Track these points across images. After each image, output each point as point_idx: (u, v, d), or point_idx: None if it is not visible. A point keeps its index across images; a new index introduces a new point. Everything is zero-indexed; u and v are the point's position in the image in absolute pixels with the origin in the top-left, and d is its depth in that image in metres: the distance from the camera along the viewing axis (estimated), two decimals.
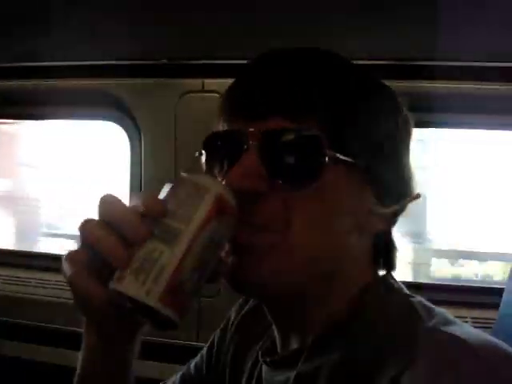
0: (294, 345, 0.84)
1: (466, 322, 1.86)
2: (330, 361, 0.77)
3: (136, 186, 2.15)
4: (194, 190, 0.69)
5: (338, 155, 0.75)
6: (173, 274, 0.64)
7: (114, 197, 0.71)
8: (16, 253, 2.60)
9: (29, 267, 2.44)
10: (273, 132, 0.75)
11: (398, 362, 0.67)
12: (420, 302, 0.79)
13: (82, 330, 0.81)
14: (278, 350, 0.89)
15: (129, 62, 2.01)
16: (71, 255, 0.70)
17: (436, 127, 2.06)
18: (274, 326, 0.89)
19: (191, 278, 0.66)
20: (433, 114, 1.91)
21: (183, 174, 0.71)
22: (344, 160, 0.76)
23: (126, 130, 2.19)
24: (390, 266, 0.87)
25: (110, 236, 0.67)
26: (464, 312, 1.92)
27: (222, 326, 1.11)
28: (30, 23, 1.67)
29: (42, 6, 1.57)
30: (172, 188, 0.71)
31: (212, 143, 0.84)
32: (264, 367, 0.89)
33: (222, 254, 0.74)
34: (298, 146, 0.76)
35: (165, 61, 1.96)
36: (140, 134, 2.10)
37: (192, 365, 1.12)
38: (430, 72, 1.79)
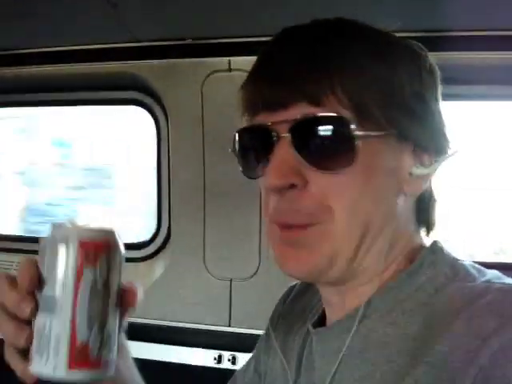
0: (343, 314, 0.85)
1: None
2: (382, 323, 0.79)
3: (165, 171, 2.13)
4: (55, 248, 0.68)
5: (368, 133, 0.76)
6: (70, 340, 0.66)
7: (4, 277, 0.73)
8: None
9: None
10: (301, 121, 0.77)
11: (454, 320, 0.69)
12: (469, 263, 0.81)
13: None
14: (327, 321, 0.91)
15: (153, 42, 1.97)
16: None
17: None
18: (324, 301, 0.92)
19: (91, 332, 0.66)
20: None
21: (48, 232, 0.71)
22: (377, 135, 0.77)
23: (152, 113, 2.16)
24: (431, 223, 0.88)
25: (7, 320, 0.72)
26: None
27: (275, 306, 1.13)
28: (53, 5, 1.64)
29: None
30: (40, 252, 0.71)
31: (241, 139, 0.87)
32: (314, 338, 0.90)
33: None
34: (329, 132, 0.76)
35: (190, 40, 1.92)
36: (167, 116, 2.07)
37: (251, 367, 1.13)
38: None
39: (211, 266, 2.04)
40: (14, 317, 0.71)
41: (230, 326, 2.04)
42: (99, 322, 0.67)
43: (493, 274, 0.78)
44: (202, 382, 2.04)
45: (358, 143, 0.76)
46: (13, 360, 0.74)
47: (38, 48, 2.07)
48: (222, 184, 1.97)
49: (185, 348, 2.05)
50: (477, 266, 0.80)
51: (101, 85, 2.21)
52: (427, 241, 0.87)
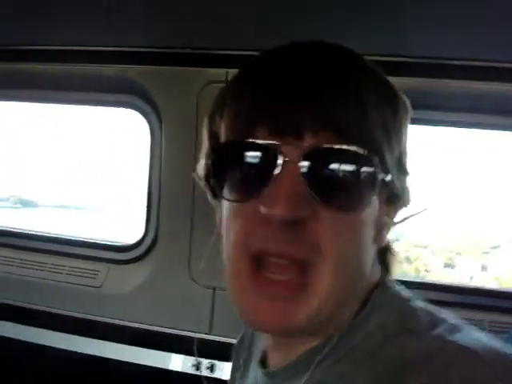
0: (293, 355, 0.80)
1: (483, 325, 1.83)
2: (330, 374, 0.74)
3: (155, 176, 2.14)
4: None
5: (386, 178, 0.72)
6: None
7: None
8: None
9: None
10: (323, 149, 0.68)
11: (403, 381, 0.64)
12: (422, 307, 0.76)
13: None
14: (271, 362, 0.86)
15: (153, 49, 1.99)
16: None
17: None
18: (268, 343, 0.86)
19: None
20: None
21: None
22: (386, 181, 0.73)
23: (147, 118, 2.17)
24: (388, 267, 0.85)
25: None
26: (482, 315, 1.89)
27: (236, 342, 1.09)
28: (55, 6, 1.65)
29: None
30: None
31: (230, 152, 0.75)
32: (263, 378, 0.86)
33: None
34: (351, 167, 0.70)
35: (189, 49, 1.94)
36: (161, 122, 2.09)
37: None
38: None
39: (195, 274, 2.05)
40: None
41: (210, 333, 2.04)
42: None
43: (445, 323, 0.71)
44: None
45: (377, 186, 0.71)
46: None
47: (37, 45, 2.08)
48: None
49: (164, 353, 2.06)
50: (427, 308, 0.76)
51: (98, 86, 2.22)
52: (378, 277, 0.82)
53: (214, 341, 2.04)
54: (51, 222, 3.38)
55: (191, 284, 2.06)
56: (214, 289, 2.04)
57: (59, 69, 2.16)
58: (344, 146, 0.68)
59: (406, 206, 0.81)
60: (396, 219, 0.80)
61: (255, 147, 0.70)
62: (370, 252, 0.76)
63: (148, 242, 2.22)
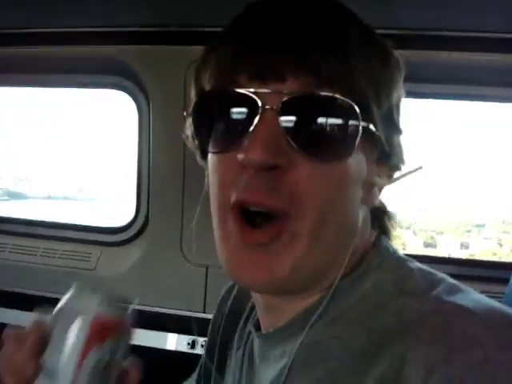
0: (285, 318, 0.79)
1: None
2: (326, 334, 0.74)
3: (145, 156, 2.13)
4: (69, 318, 0.67)
5: (369, 126, 0.70)
6: None
7: (12, 337, 0.73)
8: None
9: None
10: (303, 96, 0.66)
11: (400, 341, 0.65)
12: (418, 268, 0.75)
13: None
14: (263, 325, 0.85)
15: (138, 28, 1.98)
16: None
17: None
18: (259, 304, 0.85)
19: None
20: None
21: (62, 300, 0.69)
22: (371, 131, 0.70)
23: (135, 99, 2.16)
24: (385, 230, 0.84)
25: (10, 375, 0.71)
26: (473, 286, 1.89)
27: (215, 311, 1.09)
28: None
29: None
30: (52, 319, 0.69)
31: (207, 105, 0.74)
32: (256, 341, 0.86)
33: None
34: (333, 115, 0.68)
35: (174, 28, 1.93)
36: (149, 102, 2.08)
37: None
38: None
39: (188, 253, 2.06)
40: (17, 374, 0.70)
41: (204, 312, 2.05)
42: None
43: (443, 283, 0.71)
44: (175, 366, 2.05)
45: (360, 135, 0.68)
46: None
47: (23, 28, 2.06)
48: (201, 171, 1.97)
49: (158, 333, 2.06)
50: (425, 269, 0.75)
51: (84, 68, 2.21)
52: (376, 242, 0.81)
53: (208, 319, 2.04)
54: (41, 213, 3.38)
55: (184, 263, 2.06)
56: (207, 267, 2.05)
57: (45, 51, 2.13)
58: (324, 93, 0.66)
59: (398, 166, 0.79)
60: (388, 180, 0.79)
61: (235, 95, 0.69)
62: (358, 210, 0.75)
63: (139, 222, 2.22)
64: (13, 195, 3.79)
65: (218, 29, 1.85)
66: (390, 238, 0.83)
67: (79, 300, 0.68)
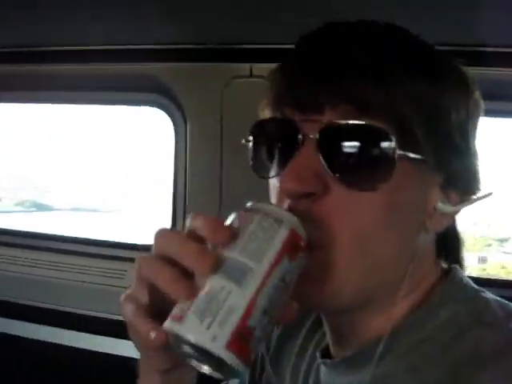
0: (353, 348, 0.79)
1: None
2: (400, 367, 0.72)
3: (181, 175, 2.11)
4: (266, 223, 0.62)
5: (407, 154, 0.68)
6: (242, 317, 0.56)
7: (170, 230, 0.68)
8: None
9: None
10: (334, 125, 0.68)
11: (481, 374, 0.63)
12: (494, 299, 0.74)
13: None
14: (332, 351, 0.84)
15: (175, 45, 1.97)
16: (128, 294, 0.66)
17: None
18: (327, 332, 0.84)
19: (260, 322, 0.58)
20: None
21: (252, 204, 0.65)
22: (414, 158, 0.69)
23: (172, 117, 2.15)
24: (455, 260, 0.82)
25: (170, 268, 0.61)
26: None
27: None
28: (78, 4, 1.64)
29: None
30: (239, 218, 0.64)
31: (261, 131, 0.78)
32: (323, 368, 0.85)
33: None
34: (368, 143, 0.68)
35: (212, 45, 1.91)
36: (185, 120, 2.06)
37: None
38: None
39: None
40: (175, 264, 0.61)
41: None
42: (270, 316, 0.60)
43: None
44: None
45: (398, 162, 0.68)
46: (137, 316, 0.63)
47: (58, 46, 2.07)
48: (238, 189, 1.96)
49: None
50: (500, 300, 0.74)
51: (121, 85, 2.20)
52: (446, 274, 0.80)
53: None
54: (67, 225, 3.41)
55: None
56: None
57: (82, 69, 2.14)
58: (356, 121, 0.67)
59: (469, 191, 0.77)
60: (457, 205, 0.76)
61: (277, 124, 0.74)
62: (412, 237, 0.74)
63: None
64: (39, 207, 3.82)
65: (256, 45, 1.87)
66: (462, 268, 0.81)
67: (277, 210, 0.64)
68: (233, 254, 0.59)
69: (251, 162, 0.79)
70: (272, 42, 1.84)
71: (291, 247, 0.61)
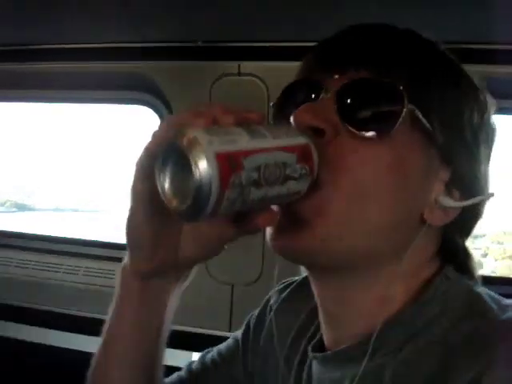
0: (346, 340, 0.79)
1: None
2: (392, 360, 0.72)
3: None
4: (291, 128, 0.69)
5: (418, 113, 0.71)
6: (240, 151, 0.59)
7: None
8: None
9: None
10: (353, 81, 0.73)
11: (474, 362, 0.62)
12: (487, 293, 0.74)
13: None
14: (326, 344, 0.84)
15: (163, 44, 1.97)
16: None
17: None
18: (321, 319, 0.84)
19: (249, 172, 0.60)
20: None
21: None
22: (423, 125, 0.72)
23: (160, 115, 2.15)
24: (462, 270, 0.81)
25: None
26: None
27: (258, 311, 1.08)
28: (65, 2, 1.63)
29: None
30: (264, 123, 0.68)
31: (288, 93, 0.81)
32: (314, 363, 0.85)
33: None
34: (376, 94, 0.73)
35: (200, 43, 1.92)
36: None
37: (208, 356, 1.10)
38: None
39: (213, 270, 2.02)
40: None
41: (230, 331, 2.02)
42: (258, 180, 0.62)
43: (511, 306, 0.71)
44: None
45: (404, 115, 0.71)
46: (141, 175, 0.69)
47: (45, 44, 2.07)
48: None
49: (183, 352, 2.03)
50: (493, 295, 0.74)
51: (109, 83, 2.21)
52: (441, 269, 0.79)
53: None
54: (49, 225, 3.39)
55: (209, 281, 2.03)
56: (233, 285, 2.01)
57: (69, 67, 2.14)
58: (378, 78, 0.72)
59: (471, 194, 0.77)
60: (455, 203, 0.76)
61: (304, 82, 0.79)
62: (411, 216, 0.75)
63: None
64: (22, 207, 3.81)
65: (244, 44, 1.87)
66: (460, 268, 0.80)
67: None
68: (257, 126, 0.64)
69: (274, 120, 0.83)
70: (260, 39, 1.85)
71: (302, 154, 0.66)
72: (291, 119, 0.72)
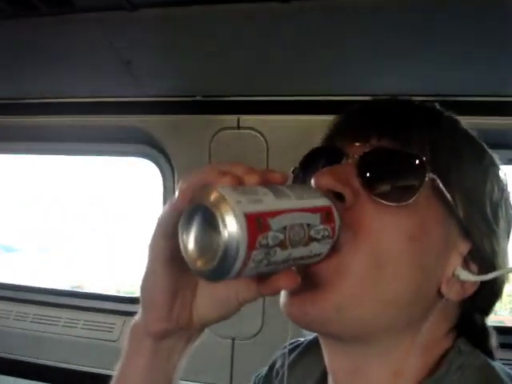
0: None
1: None
2: None
3: None
4: (313, 189, 0.69)
5: (438, 183, 0.72)
6: (267, 212, 0.58)
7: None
8: None
9: None
10: (375, 148, 0.74)
11: None
12: (502, 369, 0.73)
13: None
14: None
15: (163, 98, 1.99)
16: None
17: None
18: (329, 374, 0.83)
19: (276, 233, 0.58)
20: None
21: None
22: (443, 196, 0.73)
23: (160, 167, 2.16)
24: (481, 348, 0.79)
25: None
26: None
27: (265, 372, 1.04)
28: (67, 57, 1.66)
29: (73, 42, 1.57)
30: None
31: (309, 159, 0.83)
32: None
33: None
34: (398, 163, 0.74)
35: (199, 97, 1.94)
36: (173, 171, 2.07)
37: None
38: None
39: (214, 324, 2.00)
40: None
41: None
42: (284, 241, 0.60)
43: None
44: None
45: (426, 182, 0.71)
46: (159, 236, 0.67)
47: (47, 98, 2.10)
48: None
49: None
50: (507, 369, 0.73)
51: (109, 137, 2.22)
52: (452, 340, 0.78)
53: None
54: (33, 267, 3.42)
55: (209, 335, 2.00)
56: (234, 339, 1.99)
57: (70, 121, 2.16)
58: (397, 148, 0.74)
59: (488, 268, 0.76)
60: (475, 277, 0.75)
61: (329, 149, 0.80)
62: (428, 289, 0.74)
63: None
64: (5, 248, 3.81)
65: (244, 98, 1.89)
66: (475, 343, 0.78)
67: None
68: (281, 187, 0.63)
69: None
70: (259, 93, 1.87)
71: (325, 215, 0.64)
72: (312, 181, 0.72)
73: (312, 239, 0.63)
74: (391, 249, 0.70)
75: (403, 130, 0.75)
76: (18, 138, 2.34)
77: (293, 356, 0.99)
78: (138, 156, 2.26)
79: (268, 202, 0.59)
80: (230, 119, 1.94)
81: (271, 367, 1.03)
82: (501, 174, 0.81)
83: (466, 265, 0.76)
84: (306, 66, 1.62)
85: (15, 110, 2.16)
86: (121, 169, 2.84)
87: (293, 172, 0.83)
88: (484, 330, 0.81)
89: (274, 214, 0.58)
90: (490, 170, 0.79)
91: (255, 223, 0.56)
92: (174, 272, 0.68)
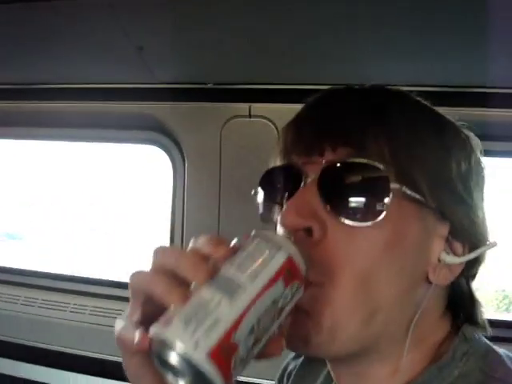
0: None
1: None
2: None
3: (179, 213, 2.11)
4: (265, 246, 0.63)
5: (405, 189, 0.70)
6: (228, 330, 0.55)
7: (168, 246, 0.66)
8: None
9: None
10: (333, 165, 0.71)
11: None
12: (507, 355, 0.73)
13: None
14: None
15: (174, 85, 1.98)
16: (123, 315, 0.64)
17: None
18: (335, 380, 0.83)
19: (246, 341, 0.57)
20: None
21: (256, 230, 0.65)
22: (412, 197, 0.70)
23: (170, 155, 2.16)
24: (471, 320, 0.79)
25: (166, 277, 0.59)
26: None
27: (277, 378, 1.05)
28: (80, 43, 1.65)
29: (85, 27, 1.56)
30: (240, 240, 0.64)
31: (269, 179, 0.81)
32: None
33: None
34: (359, 178, 0.71)
35: (211, 85, 1.93)
36: (184, 159, 2.07)
37: None
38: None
39: None
40: (171, 276, 0.59)
41: None
42: (257, 336, 0.58)
43: None
44: None
45: (393, 196, 0.69)
46: (126, 328, 0.62)
47: (59, 84, 2.09)
48: (236, 228, 1.95)
49: None
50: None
51: (120, 123, 2.22)
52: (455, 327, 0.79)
53: (241, 381, 1.97)
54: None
55: None
56: None
57: (82, 107, 2.16)
58: (357, 160, 0.70)
59: (472, 243, 0.76)
60: (459, 257, 0.75)
61: (284, 170, 0.77)
62: (415, 286, 0.73)
63: None
64: (11, 236, 3.83)
65: (256, 86, 1.88)
66: (475, 325, 0.79)
67: (277, 237, 0.65)
68: (229, 270, 0.60)
69: (260, 211, 0.82)
70: (271, 82, 1.86)
71: (287, 273, 0.61)
72: (278, 221, 0.71)
73: (283, 308, 0.62)
74: (370, 264, 0.70)
75: (355, 133, 0.72)
76: (28, 124, 2.33)
77: (301, 358, 1.01)
78: (148, 143, 2.24)
79: (224, 314, 0.56)
80: (242, 107, 1.93)
81: (282, 373, 1.04)
82: (465, 141, 0.78)
83: (449, 245, 0.75)
84: (318, 54, 1.60)
85: (29, 95, 2.16)
86: (128, 160, 2.83)
87: (254, 194, 0.83)
88: (472, 298, 0.81)
89: (236, 325, 0.56)
90: (454, 147, 0.76)
91: (222, 354, 0.55)
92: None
